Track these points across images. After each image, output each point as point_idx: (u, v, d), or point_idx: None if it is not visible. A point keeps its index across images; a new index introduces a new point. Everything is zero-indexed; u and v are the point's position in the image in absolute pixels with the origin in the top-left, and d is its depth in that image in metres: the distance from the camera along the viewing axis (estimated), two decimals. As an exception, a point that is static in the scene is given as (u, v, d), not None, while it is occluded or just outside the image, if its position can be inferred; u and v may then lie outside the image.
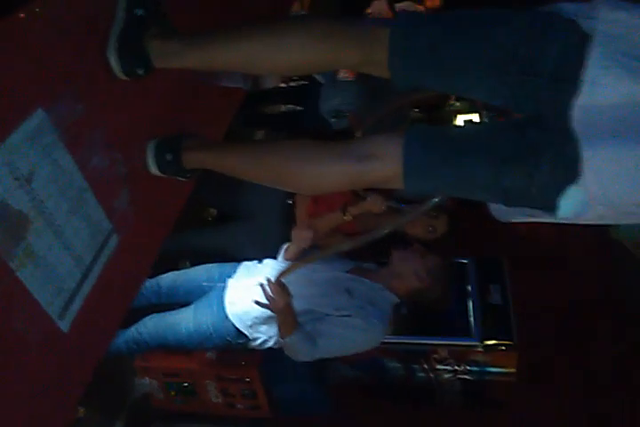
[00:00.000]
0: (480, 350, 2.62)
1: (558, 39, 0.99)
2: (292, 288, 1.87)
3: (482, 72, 1.05)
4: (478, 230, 3.15)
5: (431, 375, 2.79)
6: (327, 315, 1.97)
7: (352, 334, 1.93)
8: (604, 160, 0.94)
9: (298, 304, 1.90)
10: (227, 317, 2.08)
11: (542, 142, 1.01)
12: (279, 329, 1.90)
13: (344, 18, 1.16)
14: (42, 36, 1.05)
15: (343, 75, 2.67)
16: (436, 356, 2.73)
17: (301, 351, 1.90)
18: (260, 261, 2.28)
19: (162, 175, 1.40)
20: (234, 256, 2.36)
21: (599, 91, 0.93)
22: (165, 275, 2.37)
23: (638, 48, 0.92)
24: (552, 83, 1.00)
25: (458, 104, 4.21)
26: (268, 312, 1.91)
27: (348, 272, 2.15)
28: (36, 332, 1.06)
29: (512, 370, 2.66)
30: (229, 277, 2.23)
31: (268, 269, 2.16)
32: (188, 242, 2.48)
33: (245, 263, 2.28)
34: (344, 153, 1.18)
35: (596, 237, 2.99)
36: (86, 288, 1.19)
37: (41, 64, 1.05)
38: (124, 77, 1.23)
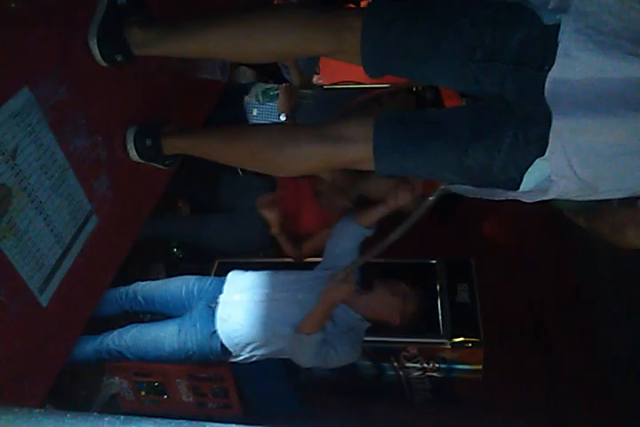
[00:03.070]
0: (448, 347, 2.68)
1: (521, 29, 1.05)
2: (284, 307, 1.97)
3: (448, 60, 1.11)
4: (448, 232, 3.25)
5: (401, 373, 2.83)
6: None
7: (341, 349, 1.99)
8: (572, 131, 0.98)
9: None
10: (215, 332, 2.09)
11: (503, 124, 1.08)
12: (309, 321, 1.91)
13: (318, 7, 1.22)
14: (28, 19, 1.09)
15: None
16: (405, 354, 2.77)
17: (309, 354, 1.93)
18: (245, 270, 2.28)
19: (141, 161, 1.43)
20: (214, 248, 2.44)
21: (571, 63, 0.98)
22: (142, 283, 2.38)
23: (607, 25, 0.98)
24: (514, 69, 1.07)
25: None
26: (260, 333, 1.97)
27: None
28: (15, 303, 1.08)
29: (478, 367, 2.73)
30: (219, 292, 2.21)
31: (257, 283, 2.18)
32: (170, 230, 2.52)
33: (232, 276, 2.27)
34: (319, 135, 1.24)
35: (563, 235, 3.10)
36: (66, 265, 1.22)
37: (27, 46, 1.08)
38: (103, 64, 1.27)
